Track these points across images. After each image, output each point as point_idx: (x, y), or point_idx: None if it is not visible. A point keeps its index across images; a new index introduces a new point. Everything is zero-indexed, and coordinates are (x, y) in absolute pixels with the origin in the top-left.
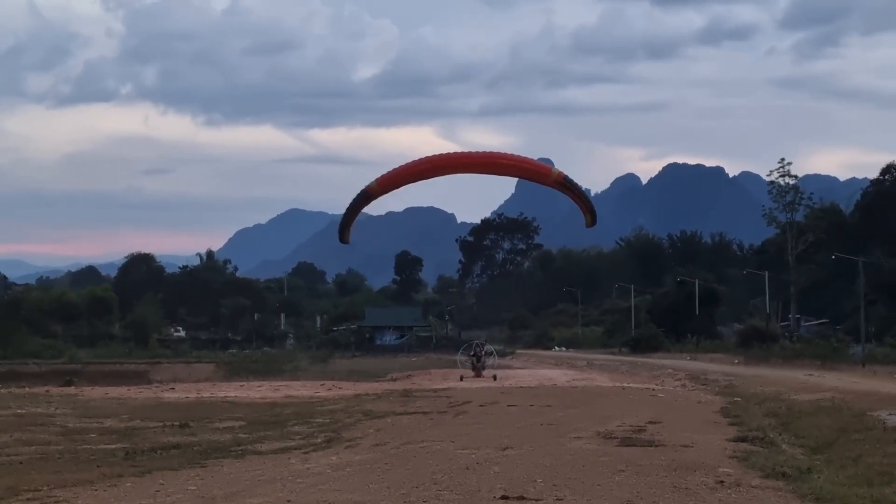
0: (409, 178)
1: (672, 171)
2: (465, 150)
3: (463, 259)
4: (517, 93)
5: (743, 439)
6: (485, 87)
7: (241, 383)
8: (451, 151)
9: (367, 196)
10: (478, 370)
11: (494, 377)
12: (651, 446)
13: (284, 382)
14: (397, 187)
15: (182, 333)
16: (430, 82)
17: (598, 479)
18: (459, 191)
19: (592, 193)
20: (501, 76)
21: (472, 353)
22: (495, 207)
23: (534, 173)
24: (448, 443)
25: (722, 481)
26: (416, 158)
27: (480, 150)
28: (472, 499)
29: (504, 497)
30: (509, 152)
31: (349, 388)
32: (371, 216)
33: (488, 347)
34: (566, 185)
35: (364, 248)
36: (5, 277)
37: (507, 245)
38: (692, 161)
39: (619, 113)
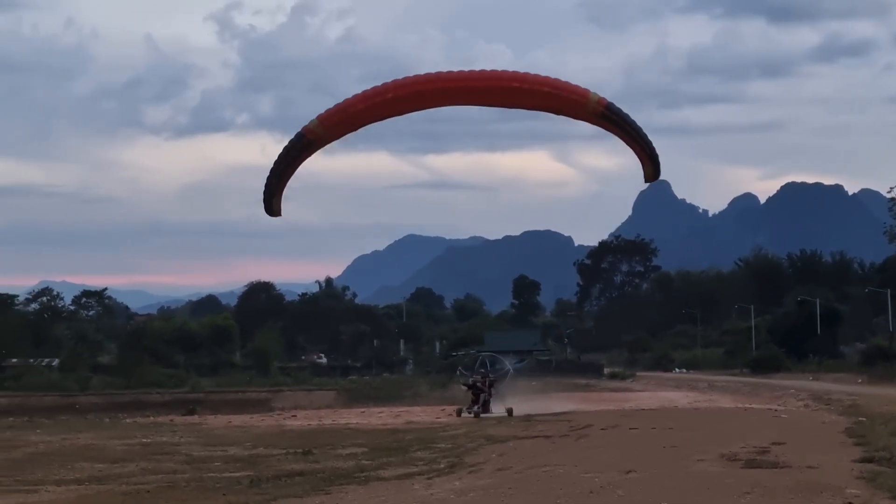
0: (374, 110)
1: (790, 189)
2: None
3: (581, 282)
4: (631, 114)
5: (869, 460)
6: None
7: (362, 410)
8: (444, 72)
9: (306, 143)
10: (476, 412)
11: (510, 412)
12: (776, 468)
13: (405, 408)
14: (353, 126)
15: (324, 360)
16: None
17: (724, 502)
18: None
19: (710, 214)
20: (615, 98)
21: (470, 381)
22: (612, 229)
23: (560, 100)
24: (571, 466)
25: (850, 503)
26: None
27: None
28: None
29: None
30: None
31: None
32: (487, 240)
33: (503, 366)
34: (611, 119)
35: (482, 272)
36: (127, 308)
37: (625, 267)
38: (810, 179)
39: (734, 132)
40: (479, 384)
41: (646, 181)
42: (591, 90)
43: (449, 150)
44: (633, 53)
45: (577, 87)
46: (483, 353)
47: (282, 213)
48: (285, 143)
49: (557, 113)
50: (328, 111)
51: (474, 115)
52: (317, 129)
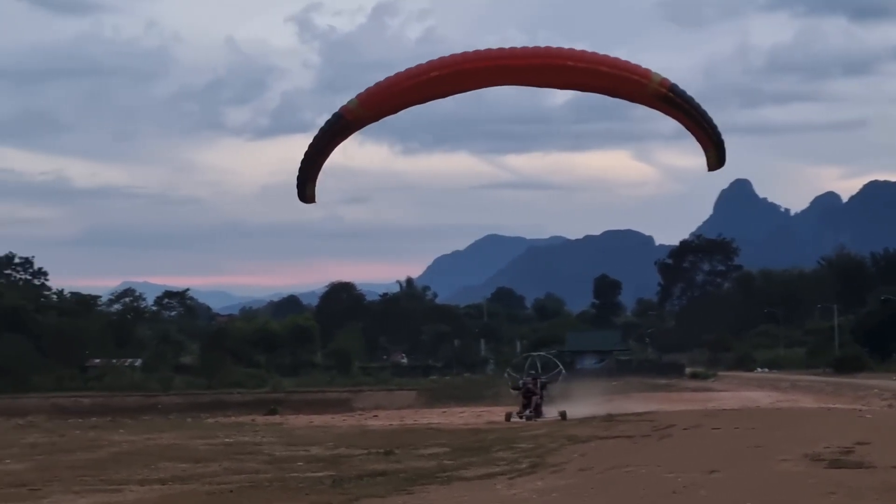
0: (418, 89)
1: (873, 188)
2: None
3: (662, 282)
4: (712, 113)
5: None
6: None
7: (443, 410)
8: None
9: (344, 124)
10: (530, 416)
11: (563, 415)
12: (861, 468)
13: (486, 408)
14: (395, 107)
15: (405, 360)
16: (625, 105)
17: (808, 502)
18: (657, 213)
19: (791, 213)
20: (696, 97)
21: (520, 383)
22: (693, 229)
23: (618, 80)
24: (653, 466)
25: None
26: (423, 63)
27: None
28: None
29: None
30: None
31: (550, 413)
32: (568, 240)
33: (555, 368)
34: (675, 102)
35: (562, 272)
36: (209, 308)
37: (706, 267)
38: (893, 178)
39: (816, 131)
40: (529, 386)
41: (709, 169)
42: (654, 73)
43: (529, 150)
44: (714, 52)
45: (637, 66)
46: (534, 355)
47: (316, 200)
48: (367, 144)
49: (614, 95)
50: (368, 91)
51: (554, 114)
52: (356, 109)
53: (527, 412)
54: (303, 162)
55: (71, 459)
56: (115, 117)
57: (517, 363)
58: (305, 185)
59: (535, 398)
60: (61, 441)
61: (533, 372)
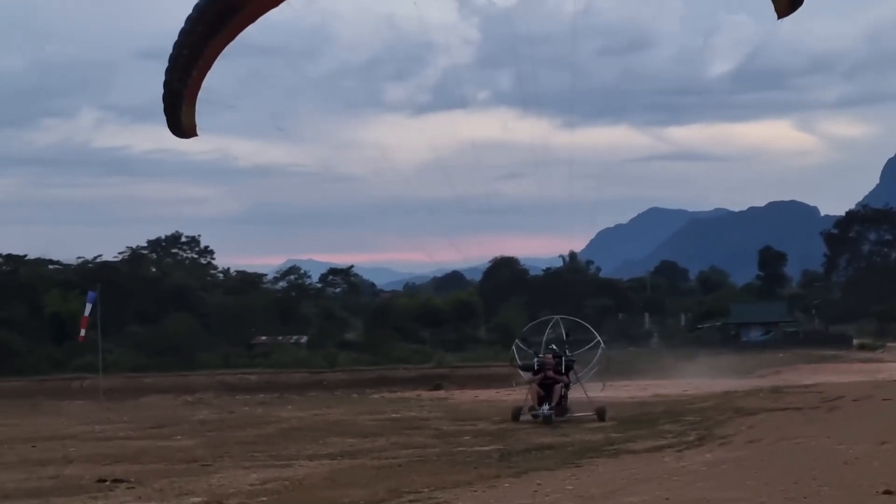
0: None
1: None
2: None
3: (828, 252)
4: (877, 81)
5: None
6: (843, 78)
7: (608, 383)
8: None
9: (225, 5)
10: (548, 414)
11: (601, 414)
12: None
13: (651, 381)
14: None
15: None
16: (787, 75)
17: None
18: (822, 183)
19: None
20: (860, 65)
21: (535, 364)
22: (860, 199)
23: None
24: (823, 438)
25: None
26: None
27: None
28: (853, 494)
29: (887, 492)
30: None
31: (717, 386)
32: (731, 212)
33: (588, 337)
34: None
35: (726, 244)
36: (373, 285)
37: (873, 237)
38: None
39: None
40: (548, 370)
41: (779, 16)
42: None
43: (689, 122)
44: (879, 18)
45: None
46: (556, 317)
47: (198, 133)
48: (526, 118)
49: None
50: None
51: (715, 85)
52: None
53: (544, 408)
54: (168, 74)
55: (240, 435)
56: (275, 96)
57: (529, 332)
58: (177, 109)
59: (557, 387)
60: (230, 417)
61: (553, 347)
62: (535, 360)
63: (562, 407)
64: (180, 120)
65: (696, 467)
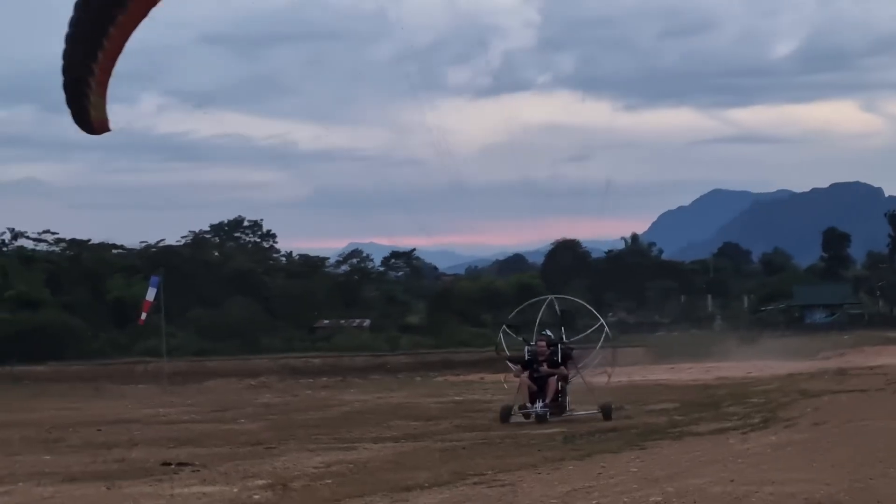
0: None
1: None
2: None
3: (893, 233)
4: None
5: None
6: None
7: (671, 366)
8: None
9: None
10: (542, 412)
11: (606, 412)
12: None
13: (714, 364)
14: None
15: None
16: (851, 55)
17: None
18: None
19: None
20: None
21: (526, 352)
22: None
23: None
24: (889, 420)
25: None
26: None
27: None
28: None
29: None
30: None
31: (781, 368)
32: (794, 193)
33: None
34: None
35: (789, 226)
36: (435, 268)
37: None
38: None
39: None
40: (539, 360)
41: None
42: None
43: (752, 104)
44: None
45: None
46: (551, 297)
47: (111, 128)
48: (588, 100)
49: None
50: None
51: (778, 66)
52: None
53: (537, 406)
54: (64, 66)
55: (304, 418)
56: (337, 81)
57: (516, 318)
58: (82, 102)
59: (552, 381)
60: (294, 401)
61: (546, 333)
62: (526, 348)
63: (559, 404)
64: (88, 112)
65: (760, 449)
